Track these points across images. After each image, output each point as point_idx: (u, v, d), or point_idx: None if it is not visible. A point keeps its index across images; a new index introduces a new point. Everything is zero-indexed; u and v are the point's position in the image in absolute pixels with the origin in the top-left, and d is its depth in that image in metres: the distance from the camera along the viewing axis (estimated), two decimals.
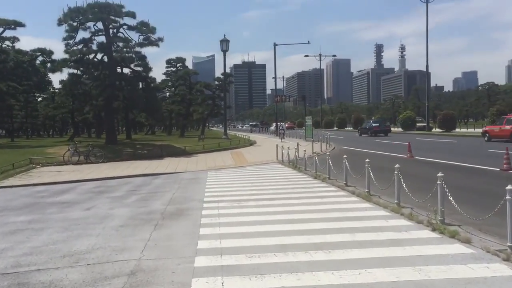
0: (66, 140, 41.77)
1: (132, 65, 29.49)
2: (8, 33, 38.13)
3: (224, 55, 37.07)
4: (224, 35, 36.60)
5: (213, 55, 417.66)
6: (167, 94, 58.21)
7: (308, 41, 60.21)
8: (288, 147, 21.51)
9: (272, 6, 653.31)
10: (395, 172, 9.22)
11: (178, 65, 55.71)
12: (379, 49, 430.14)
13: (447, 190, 7.42)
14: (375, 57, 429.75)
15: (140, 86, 30.46)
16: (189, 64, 56.82)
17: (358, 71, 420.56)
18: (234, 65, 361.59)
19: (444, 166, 17.20)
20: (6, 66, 36.28)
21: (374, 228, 7.46)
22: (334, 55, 78.90)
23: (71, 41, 27.81)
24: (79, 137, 49.95)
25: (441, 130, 44.56)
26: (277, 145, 24.15)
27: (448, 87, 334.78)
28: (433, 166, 17.48)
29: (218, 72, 51.18)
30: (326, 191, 11.89)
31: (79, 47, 28.00)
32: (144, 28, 28.13)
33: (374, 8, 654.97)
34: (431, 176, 14.70)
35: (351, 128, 77.46)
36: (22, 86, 44.04)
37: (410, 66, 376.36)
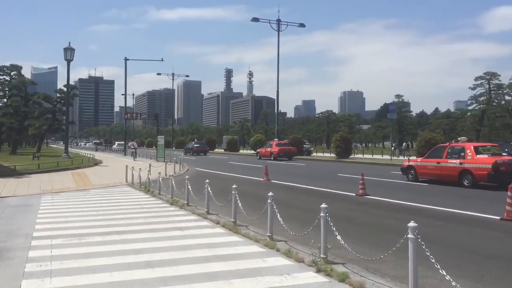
0: None
1: None
2: None
3: (68, 65, 33.38)
4: (69, 42, 33.14)
5: (55, 67, 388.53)
6: (0, 104, 50.86)
7: (162, 59, 58.29)
8: (140, 168, 19.54)
9: (122, 22, 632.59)
10: (269, 200, 8.18)
11: (12, 73, 49.11)
12: (229, 73, 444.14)
13: (331, 224, 6.54)
14: (225, 81, 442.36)
15: None
16: (27, 74, 50.53)
17: (209, 94, 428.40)
18: (80, 79, 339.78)
19: (302, 190, 17.02)
20: None
21: (252, 271, 6.21)
22: (187, 75, 78.35)
23: None
24: None
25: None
26: (126, 165, 21.93)
27: (290, 114, 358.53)
28: (292, 190, 17.20)
29: (61, 85, 46.54)
30: (187, 221, 10.40)
31: None
32: None
33: (224, 34, 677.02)
34: (294, 201, 14.17)
35: None
36: None
37: (257, 92, 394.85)
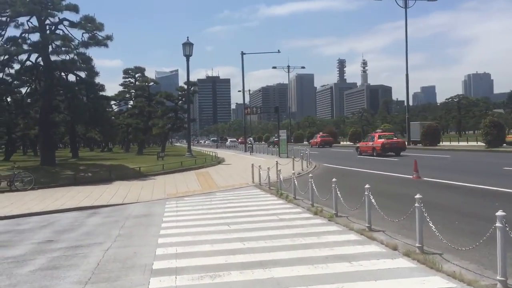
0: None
1: (75, 70, 24.44)
2: None
3: (187, 60, 32.57)
4: (187, 37, 32.30)
5: (176, 70, 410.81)
6: (129, 106, 52.89)
7: (278, 50, 56.12)
8: (268, 168, 17.25)
9: (234, 22, 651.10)
10: (498, 224, 5.07)
11: (137, 75, 50.58)
12: (341, 64, 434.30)
13: None
14: (337, 72, 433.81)
15: (86, 94, 25.36)
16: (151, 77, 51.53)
17: (322, 86, 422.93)
18: (198, 79, 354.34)
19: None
20: None
21: None
22: (303, 67, 75.75)
23: None
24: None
25: (424, 144, 41.27)
26: (252, 164, 19.85)
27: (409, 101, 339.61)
28: (456, 191, 13.54)
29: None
30: (348, 243, 7.62)
31: (7, 46, 22.83)
32: (89, 24, 23.32)
33: (335, 25, 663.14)
34: (466, 208, 10.48)
35: None
36: None
37: (372, 81, 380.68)
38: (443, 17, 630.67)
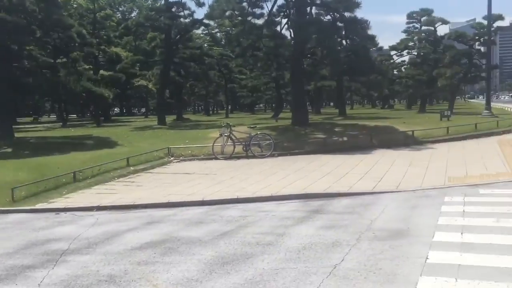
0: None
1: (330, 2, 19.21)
2: None
3: None
4: None
5: (473, 19, 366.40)
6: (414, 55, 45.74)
7: None
8: None
9: None
10: None
11: (422, 18, 42.70)
12: None
13: None
14: None
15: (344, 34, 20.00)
16: (445, 30, 42.58)
17: None
18: (498, 27, 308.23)
19: None
20: None
21: None
22: None
23: None
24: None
25: None
26: None
27: None
28: None
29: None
30: None
31: None
32: None
33: None
34: None
35: None
36: None
37: None
38: None
